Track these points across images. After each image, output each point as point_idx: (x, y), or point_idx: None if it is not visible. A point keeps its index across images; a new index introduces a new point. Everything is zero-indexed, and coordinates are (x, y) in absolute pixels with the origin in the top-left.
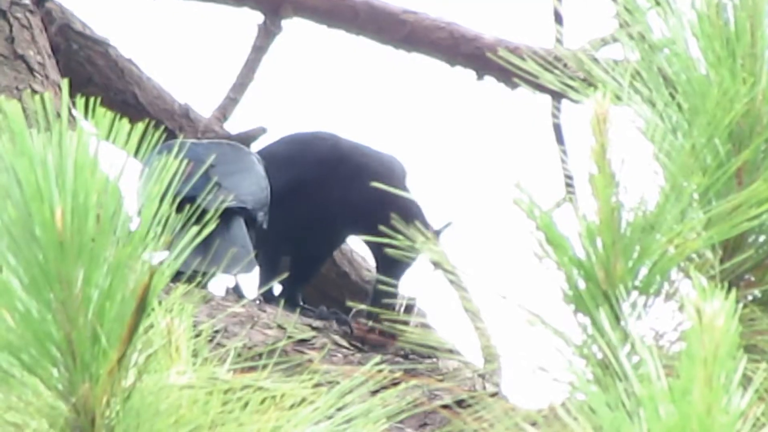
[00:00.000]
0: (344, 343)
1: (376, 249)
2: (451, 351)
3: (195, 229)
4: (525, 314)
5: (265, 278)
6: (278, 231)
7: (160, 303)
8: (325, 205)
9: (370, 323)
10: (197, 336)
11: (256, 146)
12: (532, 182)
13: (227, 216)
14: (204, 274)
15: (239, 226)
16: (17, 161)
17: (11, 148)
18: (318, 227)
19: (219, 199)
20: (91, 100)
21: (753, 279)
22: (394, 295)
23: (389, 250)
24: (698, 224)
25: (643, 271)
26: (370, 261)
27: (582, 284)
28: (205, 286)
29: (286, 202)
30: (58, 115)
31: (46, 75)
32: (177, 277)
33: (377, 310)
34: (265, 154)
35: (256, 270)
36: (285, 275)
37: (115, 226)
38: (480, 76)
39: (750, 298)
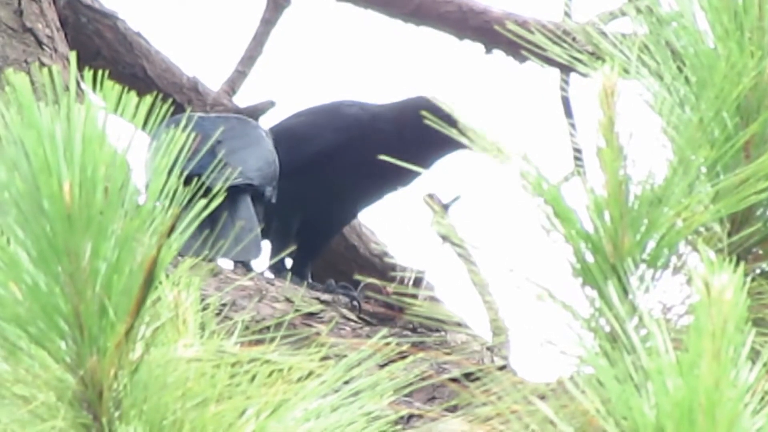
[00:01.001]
0: (352, 316)
1: None
2: (459, 324)
3: (202, 203)
4: (533, 288)
5: (276, 251)
6: (293, 204)
7: (167, 276)
8: (346, 176)
9: (378, 296)
10: (204, 309)
11: (273, 119)
12: (540, 155)
13: (233, 193)
14: (208, 256)
15: (246, 204)
16: (25, 134)
17: (19, 121)
18: (335, 200)
19: (224, 177)
20: (99, 73)
21: (761, 252)
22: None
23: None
24: (706, 197)
25: (651, 245)
26: (378, 234)
27: (590, 257)
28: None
29: (304, 174)
30: (67, 88)
31: (55, 48)
32: (184, 250)
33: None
34: (287, 126)
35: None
36: (294, 248)
37: (122, 200)
38: (488, 50)
39: (758, 271)
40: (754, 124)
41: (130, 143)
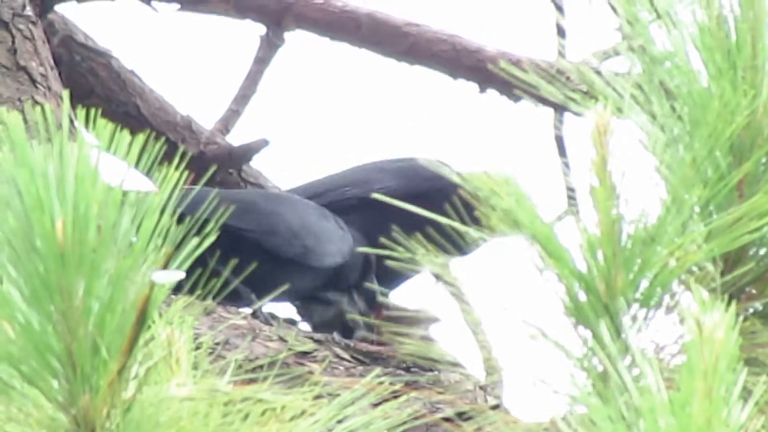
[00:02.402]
0: (345, 355)
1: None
2: (452, 363)
3: (194, 241)
4: (526, 326)
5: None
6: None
7: (160, 315)
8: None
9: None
10: (198, 348)
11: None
12: (533, 194)
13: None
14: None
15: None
16: (18, 172)
17: (12, 159)
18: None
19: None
20: (92, 111)
21: (754, 292)
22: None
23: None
24: (699, 237)
25: (644, 284)
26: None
27: (583, 296)
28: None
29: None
30: (60, 126)
31: (49, 86)
32: (178, 289)
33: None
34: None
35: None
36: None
37: (115, 238)
38: (482, 89)
39: (751, 311)
40: (747, 164)
41: (123, 181)
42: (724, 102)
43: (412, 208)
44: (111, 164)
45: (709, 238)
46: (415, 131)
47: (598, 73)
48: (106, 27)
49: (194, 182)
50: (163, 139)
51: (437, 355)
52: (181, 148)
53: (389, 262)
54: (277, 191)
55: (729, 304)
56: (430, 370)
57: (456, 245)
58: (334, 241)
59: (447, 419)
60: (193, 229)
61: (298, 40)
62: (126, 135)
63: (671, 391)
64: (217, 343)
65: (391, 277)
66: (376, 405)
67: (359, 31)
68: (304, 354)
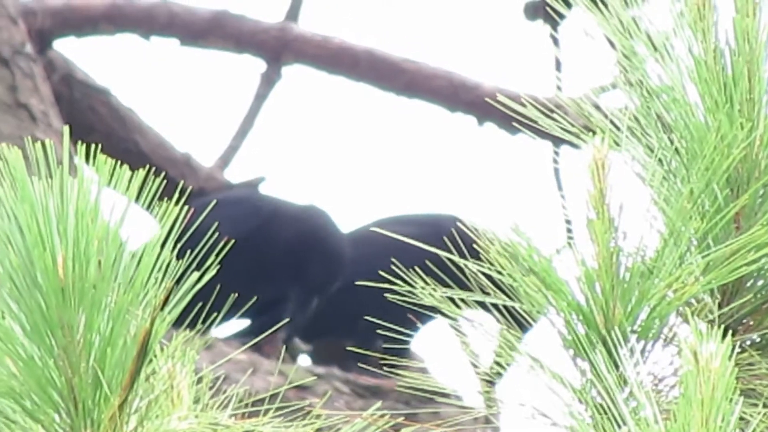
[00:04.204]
0: (346, 389)
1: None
2: (450, 396)
3: (195, 276)
4: (524, 359)
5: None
6: None
7: (162, 349)
8: None
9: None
10: (199, 382)
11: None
12: (531, 227)
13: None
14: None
15: None
16: (19, 208)
17: (13, 195)
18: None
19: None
20: (93, 147)
21: (752, 323)
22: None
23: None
24: (697, 269)
25: (642, 316)
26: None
27: (581, 329)
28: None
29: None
30: (60, 162)
31: (49, 123)
32: (179, 323)
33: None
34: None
35: None
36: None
37: (116, 273)
38: (480, 123)
39: (749, 342)
40: (744, 196)
41: (124, 217)
42: (721, 135)
43: (410, 242)
44: (111, 200)
45: (706, 270)
46: (413, 164)
47: (596, 106)
48: (105, 63)
49: (193, 218)
50: (162, 175)
51: (435, 387)
52: (181, 184)
53: (390, 297)
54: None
55: (726, 335)
56: (429, 402)
57: (458, 283)
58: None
59: None
60: (193, 264)
61: (296, 74)
62: (126, 171)
63: (668, 423)
64: (218, 378)
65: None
66: None
67: (357, 67)
68: (305, 388)
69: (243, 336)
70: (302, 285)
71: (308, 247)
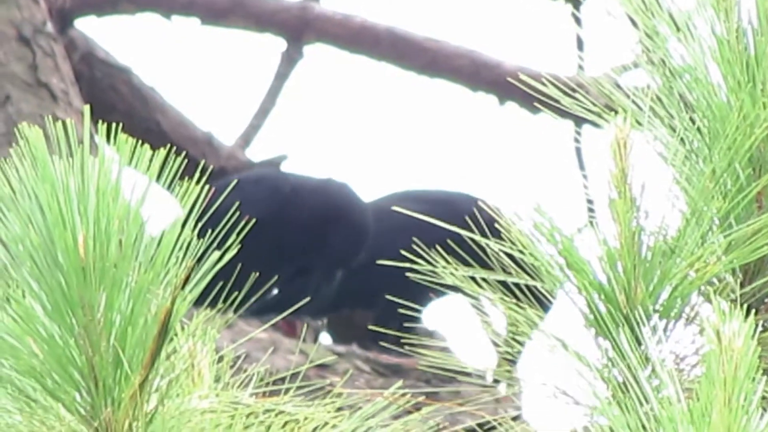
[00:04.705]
0: (366, 368)
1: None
2: (472, 375)
3: (216, 255)
4: (546, 338)
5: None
6: None
7: (182, 328)
8: None
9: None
10: (219, 361)
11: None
12: (553, 206)
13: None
14: None
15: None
16: (40, 188)
17: (34, 175)
18: None
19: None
20: (113, 126)
21: None
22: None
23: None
24: (719, 248)
25: (664, 295)
26: None
27: (603, 308)
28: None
29: None
30: (81, 141)
31: (69, 102)
32: (201, 302)
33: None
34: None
35: None
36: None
37: (136, 252)
38: (502, 102)
39: None
40: (766, 175)
41: (144, 196)
42: (743, 114)
43: (432, 221)
44: (132, 179)
45: (728, 249)
46: (434, 143)
47: (618, 86)
48: (126, 42)
49: (214, 197)
50: (183, 154)
51: (457, 366)
52: (202, 163)
53: (411, 275)
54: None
55: (748, 314)
56: (450, 381)
57: (478, 261)
58: None
59: (468, 431)
60: (214, 242)
61: (317, 53)
62: (147, 150)
63: (691, 401)
64: (239, 357)
65: (416, 294)
66: (396, 417)
67: (378, 46)
68: (325, 366)
69: (267, 310)
70: (325, 257)
71: (330, 219)
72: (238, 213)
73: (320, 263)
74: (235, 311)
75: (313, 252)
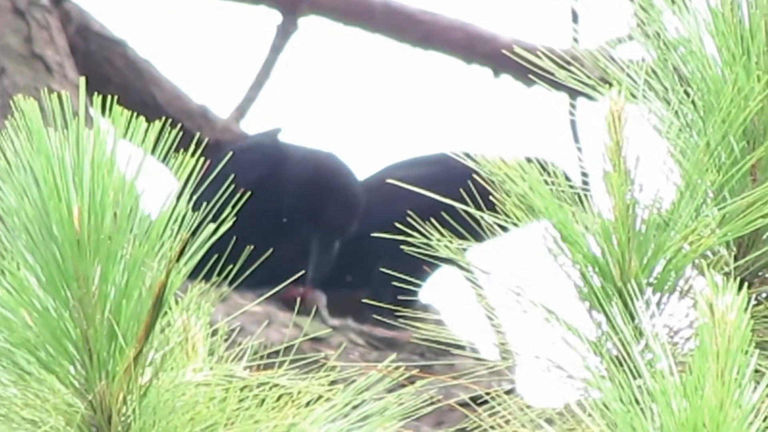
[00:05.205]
0: (361, 341)
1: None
2: (466, 348)
3: (210, 227)
4: (540, 311)
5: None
6: None
7: (177, 301)
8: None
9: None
10: (213, 334)
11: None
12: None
13: None
14: None
15: None
16: (35, 160)
17: (29, 147)
18: None
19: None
20: (108, 98)
21: (767, 276)
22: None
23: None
24: (713, 221)
25: (658, 269)
26: None
27: (597, 281)
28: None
29: None
30: (76, 114)
31: (65, 75)
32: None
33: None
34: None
35: None
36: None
37: (131, 225)
38: (497, 74)
39: (764, 295)
40: (760, 148)
41: (139, 169)
42: (738, 87)
43: (426, 194)
44: (127, 152)
45: (722, 222)
46: (429, 116)
47: (613, 59)
48: (122, 15)
49: (209, 171)
50: (178, 126)
51: (451, 340)
52: (197, 136)
53: (405, 248)
54: None
55: (742, 287)
56: (444, 355)
57: (472, 231)
58: None
59: (462, 404)
60: (209, 215)
61: (311, 25)
62: (142, 122)
63: (684, 375)
64: (233, 330)
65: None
66: (391, 390)
67: (373, 18)
68: (320, 340)
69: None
70: (322, 227)
71: (325, 188)
72: (233, 185)
73: (317, 232)
74: (231, 284)
75: (309, 220)
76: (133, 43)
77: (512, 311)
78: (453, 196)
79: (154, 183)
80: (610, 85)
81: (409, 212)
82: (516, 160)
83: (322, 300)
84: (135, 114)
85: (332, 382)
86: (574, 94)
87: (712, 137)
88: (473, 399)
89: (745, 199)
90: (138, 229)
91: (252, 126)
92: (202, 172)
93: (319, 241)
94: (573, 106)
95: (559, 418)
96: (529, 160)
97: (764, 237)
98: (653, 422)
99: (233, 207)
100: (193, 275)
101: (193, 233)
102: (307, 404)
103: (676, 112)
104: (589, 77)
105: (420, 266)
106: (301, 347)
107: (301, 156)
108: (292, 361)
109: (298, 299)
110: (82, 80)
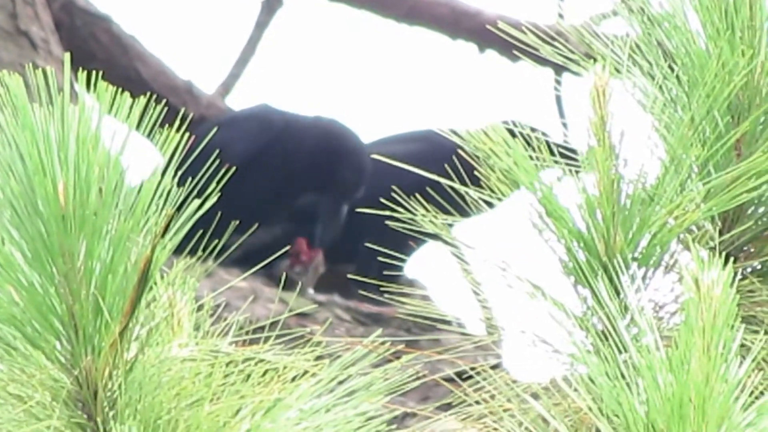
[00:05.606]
0: (347, 316)
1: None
2: (452, 323)
3: (195, 203)
4: (526, 286)
5: None
6: None
7: (162, 277)
8: None
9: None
10: (199, 310)
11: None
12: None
13: None
14: None
15: None
16: (19, 135)
17: (14, 123)
18: None
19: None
20: (93, 74)
21: (752, 250)
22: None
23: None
24: (698, 196)
25: (643, 243)
26: None
27: (582, 256)
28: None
29: None
30: (61, 89)
31: (50, 51)
32: (179, 251)
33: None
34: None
35: None
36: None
37: (117, 200)
38: (482, 50)
39: (749, 269)
40: (745, 123)
41: (124, 144)
42: (722, 62)
43: (411, 169)
44: (112, 127)
45: (707, 197)
46: (414, 92)
47: (597, 34)
48: None
49: (194, 145)
50: (164, 102)
51: (436, 315)
52: (182, 111)
53: (390, 223)
54: None
55: (727, 262)
56: (430, 330)
57: (457, 207)
58: None
59: (447, 379)
60: (194, 191)
61: (296, 1)
62: (127, 98)
63: (669, 349)
64: (218, 305)
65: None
66: (376, 366)
67: None
68: (305, 315)
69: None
70: (334, 189)
71: (338, 150)
72: (226, 153)
73: (324, 196)
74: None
75: (316, 184)
76: (118, 19)
77: (498, 286)
78: (439, 171)
79: (139, 158)
80: (595, 60)
81: (395, 188)
82: (500, 135)
83: (320, 268)
84: (120, 89)
85: (318, 358)
86: (559, 69)
87: (697, 112)
88: (459, 374)
89: (730, 173)
90: (123, 204)
91: (237, 102)
92: (187, 148)
93: (329, 204)
94: (558, 81)
95: (545, 392)
96: (505, 123)
97: (749, 211)
98: (639, 396)
99: (218, 182)
100: (179, 250)
101: (179, 208)
102: (293, 379)
103: (661, 87)
104: (573, 53)
105: (406, 242)
106: (286, 322)
107: (306, 122)
108: (278, 337)
109: (302, 258)
110: (67, 56)
